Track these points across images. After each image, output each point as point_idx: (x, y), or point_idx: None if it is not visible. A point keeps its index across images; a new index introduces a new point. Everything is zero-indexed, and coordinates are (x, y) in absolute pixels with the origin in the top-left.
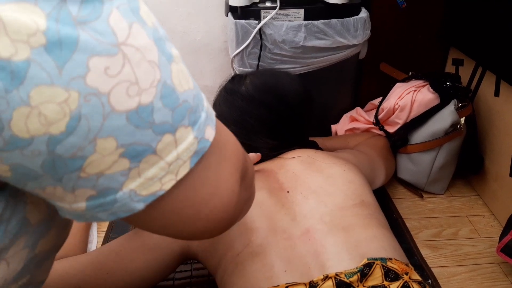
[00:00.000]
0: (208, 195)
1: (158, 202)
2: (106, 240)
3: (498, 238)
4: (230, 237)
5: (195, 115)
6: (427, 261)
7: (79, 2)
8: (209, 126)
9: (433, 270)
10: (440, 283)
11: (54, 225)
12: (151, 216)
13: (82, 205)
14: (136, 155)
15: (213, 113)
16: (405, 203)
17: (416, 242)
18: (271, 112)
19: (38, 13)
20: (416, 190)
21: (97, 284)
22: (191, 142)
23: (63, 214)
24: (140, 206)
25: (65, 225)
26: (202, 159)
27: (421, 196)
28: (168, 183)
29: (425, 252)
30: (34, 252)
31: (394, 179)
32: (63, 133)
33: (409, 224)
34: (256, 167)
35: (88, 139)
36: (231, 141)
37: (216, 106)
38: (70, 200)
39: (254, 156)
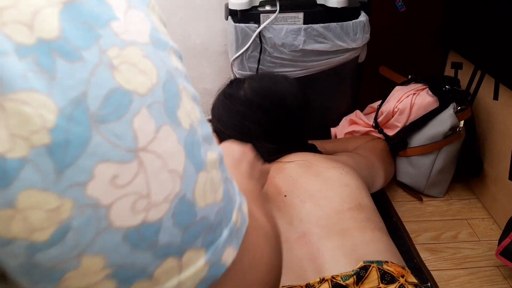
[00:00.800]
0: None
1: None
2: None
3: (497, 241)
4: None
5: (214, 234)
6: (426, 264)
7: (102, 98)
8: (231, 246)
9: (433, 273)
10: (439, 286)
11: None
12: None
13: None
14: (126, 279)
15: (244, 225)
16: (404, 206)
17: (416, 245)
18: (270, 116)
19: (50, 107)
20: (416, 193)
21: None
22: (200, 268)
23: None
24: None
25: None
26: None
27: (421, 199)
28: None
29: (424, 255)
30: None
31: (394, 182)
32: (44, 243)
33: (409, 227)
34: None
35: (73, 254)
36: (262, 259)
37: (215, 110)
38: None
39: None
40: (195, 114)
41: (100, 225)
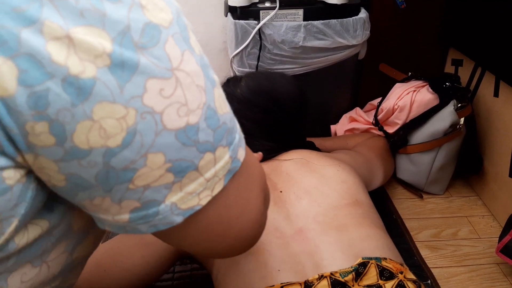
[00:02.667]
0: (238, 213)
1: (194, 217)
2: (106, 238)
3: (497, 239)
4: None
5: (231, 136)
6: (426, 261)
7: (141, 30)
8: (241, 148)
9: (433, 270)
10: (439, 284)
11: (92, 232)
12: (186, 231)
13: (125, 217)
14: (181, 170)
15: (243, 135)
16: (404, 204)
17: (416, 242)
18: (266, 114)
19: (105, 37)
20: (416, 190)
21: (94, 281)
22: (227, 161)
23: (102, 226)
24: (179, 219)
25: (101, 234)
26: (234, 178)
27: (421, 197)
28: (204, 199)
29: (424, 252)
30: (71, 257)
31: (394, 179)
32: (119, 147)
33: (409, 224)
34: None
35: (140, 154)
36: (256, 163)
37: None
38: (115, 212)
39: (256, 156)
40: (198, 44)
41: (158, 128)
